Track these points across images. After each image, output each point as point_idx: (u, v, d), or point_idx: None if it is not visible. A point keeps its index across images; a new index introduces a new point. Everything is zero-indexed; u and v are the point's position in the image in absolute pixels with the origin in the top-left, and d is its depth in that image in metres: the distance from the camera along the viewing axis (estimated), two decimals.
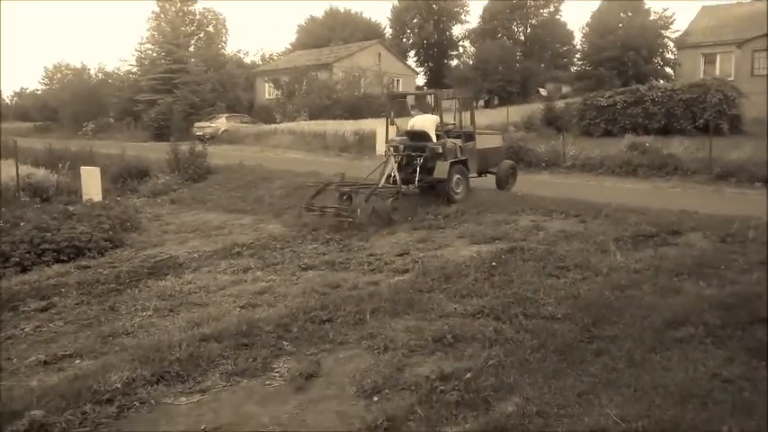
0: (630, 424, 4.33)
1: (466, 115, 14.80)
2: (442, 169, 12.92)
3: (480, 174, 14.56)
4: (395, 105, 17.00)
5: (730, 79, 28.75)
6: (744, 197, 13.84)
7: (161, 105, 39.22)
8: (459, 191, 13.26)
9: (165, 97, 40.19)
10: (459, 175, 13.33)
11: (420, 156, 13.16)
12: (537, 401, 4.71)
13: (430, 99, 21.76)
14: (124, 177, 20.05)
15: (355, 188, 13.11)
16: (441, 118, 13.81)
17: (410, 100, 23.26)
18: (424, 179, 13.09)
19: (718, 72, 32.98)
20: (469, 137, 14.10)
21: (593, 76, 40.72)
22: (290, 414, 4.87)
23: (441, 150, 13.09)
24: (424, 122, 13.82)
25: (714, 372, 5.06)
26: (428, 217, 11.94)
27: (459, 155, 13.49)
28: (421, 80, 61.29)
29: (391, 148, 13.55)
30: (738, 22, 35.47)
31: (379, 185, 12.81)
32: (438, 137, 13.40)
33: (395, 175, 13.06)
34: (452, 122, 14.65)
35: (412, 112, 15.65)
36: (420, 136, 13.47)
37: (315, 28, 63.41)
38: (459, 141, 13.64)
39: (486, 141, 14.78)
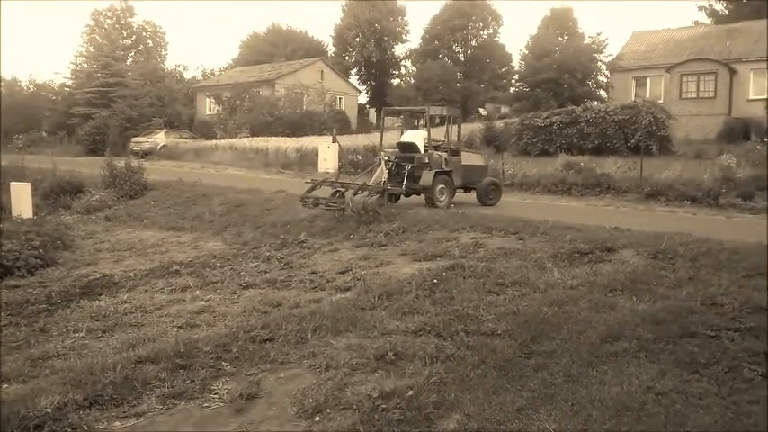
0: None
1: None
2: (426, 178, 14.23)
3: (465, 188, 15.62)
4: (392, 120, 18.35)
5: (660, 102, 29.98)
6: (673, 215, 14.38)
7: (96, 119, 38.15)
8: (442, 199, 14.48)
9: (101, 111, 39.16)
10: (442, 185, 14.58)
11: (408, 165, 14.42)
12: (478, 417, 4.75)
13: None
14: (56, 193, 19.42)
15: (347, 185, 14.38)
16: (429, 133, 15.22)
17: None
18: (411, 186, 14.33)
19: (648, 95, 34.31)
20: (455, 152, 15.38)
21: (530, 97, 41.78)
22: None
23: (427, 161, 14.44)
24: (414, 136, 15.35)
25: (648, 385, 5.21)
26: (370, 234, 11.95)
27: (444, 166, 14.70)
28: (363, 98, 61.73)
29: (383, 157, 14.83)
30: (667, 48, 37.09)
31: (368, 184, 14.10)
32: (425, 150, 14.69)
33: (384, 181, 14.11)
34: (442, 139, 16.09)
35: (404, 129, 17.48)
36: (409, 147, 14.83)
37: (257, 44, 63.08)
38: (445, 154, 14.88)
39: (470, 159, 16.08)
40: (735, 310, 6.71)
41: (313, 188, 14.45)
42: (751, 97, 31.95)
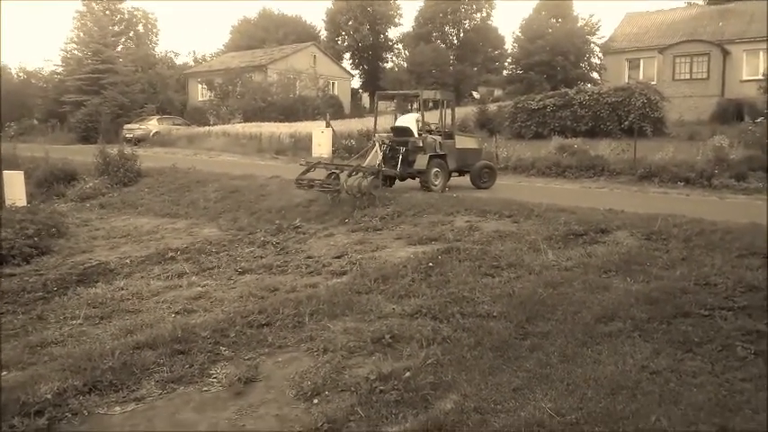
0: (564, 417, 4.48)
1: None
2: (421, 161, 14.20)
3: (459, 171, 15.59)
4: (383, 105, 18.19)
5: (653, 83, 29.95)
6: (666, 196, 14.43)
7: (88, 107, 37.85)
8: (437, 182, 14.47)
9: (93, 98, 38.82)
10: (437, 168, 14.57)
11: (403, 149, 14.36)
12: (474, 398, 4.81)
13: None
14: (50, 181, 19.35)
15: (341, 167, 14.37)
16: (423, 116, 15.11)
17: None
18: (405, 170, 14.35)
19: (641, 76, 34.28)
20: (449, 135, 15.29)
21: (523, 79, 41.60)
22: (228, 420, 4.81)
23: (421, 144, 14.36)
24: (407, 120, 15.23)
25: (642, 364, 5.28)
26: (365, 219, 11.97)
27: (438, 150, 14.63)
28: (356, 83, 61.46)
29: (378, 140, 14.82)
30: (660, 29, 37.01)
31: (363, 165, 14.03)
32: (419, 134, 14.60)
33: (379, 163, 14.21)
34: (436, 122, 15.90)
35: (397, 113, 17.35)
36: (403, 131, 14.74)
37: (248, 29, 62.58)
38: (439, 138, 14.81)
39: (465, 142, 15.98)
40: (728, 290, 6.77)
41: (308, 170, 14.42)
42: (744, 78, 31.95)
